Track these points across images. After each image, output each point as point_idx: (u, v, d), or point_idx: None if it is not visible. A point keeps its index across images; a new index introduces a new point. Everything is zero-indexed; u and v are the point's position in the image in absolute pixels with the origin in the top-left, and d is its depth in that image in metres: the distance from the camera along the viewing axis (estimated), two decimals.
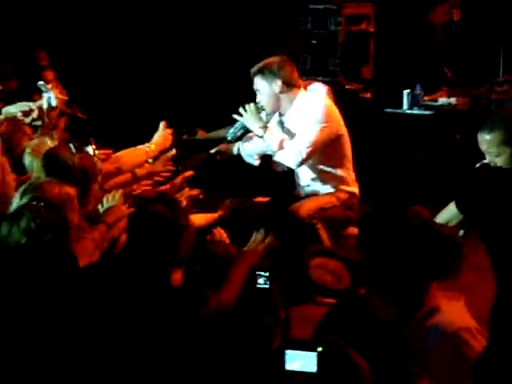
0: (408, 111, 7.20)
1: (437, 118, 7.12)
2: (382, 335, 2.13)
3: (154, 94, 8.23)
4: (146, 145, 4.71)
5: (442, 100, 7.32)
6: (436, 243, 2.50)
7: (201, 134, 5.46)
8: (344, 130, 4.98)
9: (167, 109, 7.14)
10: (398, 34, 7.87)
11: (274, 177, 5.73)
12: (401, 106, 7.23)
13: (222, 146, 5.26)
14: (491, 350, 2.14)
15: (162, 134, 4.80)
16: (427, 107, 7.23)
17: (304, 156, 4.75)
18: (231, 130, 5.02)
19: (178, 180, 4.73)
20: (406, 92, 7.20)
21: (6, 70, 6.54)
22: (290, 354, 2.04)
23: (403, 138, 7.17)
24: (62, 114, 5.74)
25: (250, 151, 5.20)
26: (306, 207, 4.78)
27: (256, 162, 5.22)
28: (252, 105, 4.82)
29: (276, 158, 4.96)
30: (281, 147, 4.80)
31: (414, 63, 7.62)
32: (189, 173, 4.84)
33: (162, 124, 4.85)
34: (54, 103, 4.82)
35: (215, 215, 4.64)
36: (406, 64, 7.66)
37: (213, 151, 5.22)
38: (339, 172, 4.98)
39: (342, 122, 4.97)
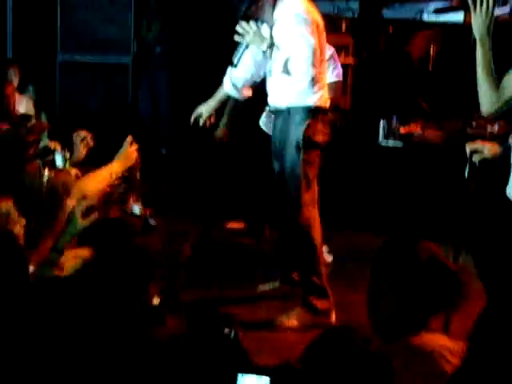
0: (383, 143, 7.20)
1: (409, 151, 7.11)
2: (374, 368, 2.08)
3: None
4: (108, 166, 4.43)
5: (417, 133, 7.32)
6: (441, 278, 2.54)
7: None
8: None
9: None
10: (376, 66, 7.90)
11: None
12: (377, 137, 7.23)
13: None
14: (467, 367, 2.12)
15: (126, 152, 4.51)
16: (402, 139, 7.21)
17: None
18: (237, 55, 4.91)
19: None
20: (382, 123, 7.19)
21: None
22: (242, 378, 1.99)
23: (375, 169, 7.14)
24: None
25: (237, 78, 5.07)
26: None
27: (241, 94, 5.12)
28: (252, 23, 4.70)
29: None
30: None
31: (391, 95, 7.62)
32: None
33: (126, 140, 4.55)
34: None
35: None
36: (383, 95, 7.66)
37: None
38: None
39: None
